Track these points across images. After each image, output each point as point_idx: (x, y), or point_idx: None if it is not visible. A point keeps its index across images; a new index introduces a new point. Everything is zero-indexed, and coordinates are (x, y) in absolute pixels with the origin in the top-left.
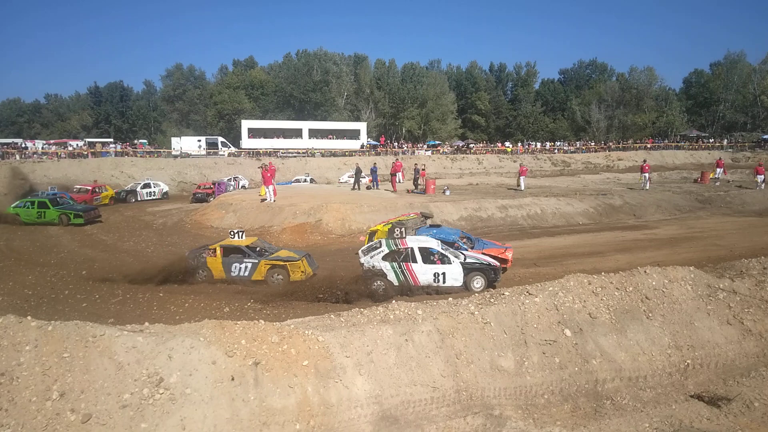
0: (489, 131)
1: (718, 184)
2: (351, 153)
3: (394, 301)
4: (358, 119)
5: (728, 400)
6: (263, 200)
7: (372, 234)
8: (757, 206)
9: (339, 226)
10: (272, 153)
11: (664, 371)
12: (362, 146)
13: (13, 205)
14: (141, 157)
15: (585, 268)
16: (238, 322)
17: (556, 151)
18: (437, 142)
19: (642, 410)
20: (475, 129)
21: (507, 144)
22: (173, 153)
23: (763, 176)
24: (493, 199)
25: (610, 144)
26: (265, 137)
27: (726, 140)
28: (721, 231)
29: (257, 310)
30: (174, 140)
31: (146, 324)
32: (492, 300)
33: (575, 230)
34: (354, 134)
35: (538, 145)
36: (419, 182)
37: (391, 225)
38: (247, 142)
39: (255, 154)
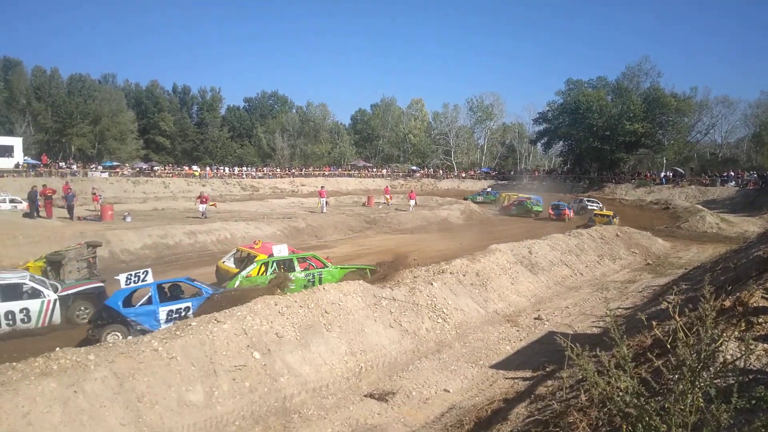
0: (176, 154)
1: (380, 207)
2: (2, 173)
3: (58, 349)
4: (11, 133)
5: (393, 393)
6: None
7: None
8: (409, 225)
9: None
10: None
11: (343, 377)
12: (17, 165)
13: None
14: None
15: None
16: None
17: (244, 176)
18: (116, 163)
19: (325, 417)
20: (161, 151)
21: (195, 168)
22: None
23: (414, 200)
24: (180, 225)
25: (294, 171)
26: None
27: (385, 170)
28: (383, 247)
29: None
30: None
31: None
32: (178, 333)
33: None
34: (5, 151)
35: (227, 169)
36: (93, 207)
37: (45, 259)
38: None
39: None
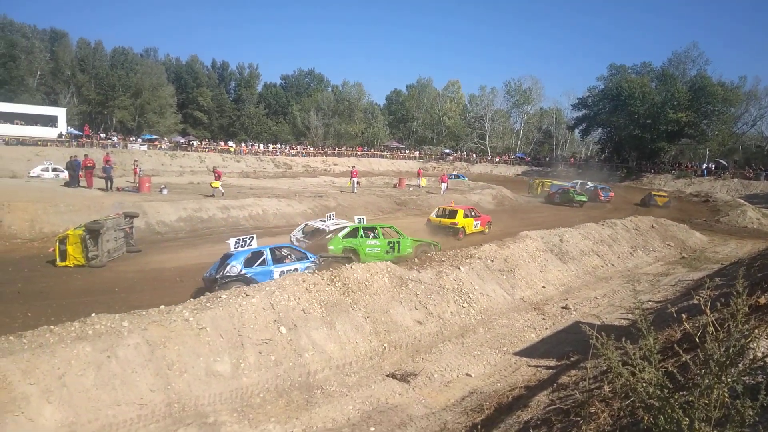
0: (212, 129)
1: (411, 189)
2: (46, 143)
3: (93, 314)
4: (55, 104)
5: (415, 375)
6: None
7: (62, 241)
8: None
9: (27, 229)
10: None
11: (366, 356)
12: (61, 135)
13: None
14: None
15: None
16: None
17: (278, 153)
18: (155, 137)
19: (347, 394)
20: (198, 126)
21: (230, 143)
22: None
23: (446, 184)
24: (214, 199)
25: (327, 150)
26: None
27: (418, 152)
28: (413, 229)
29: None
30: None
31: None
32: (208, 304)
33: None
34: (49, 121)
35: (261, 146)
36: (133, 179)
37: (84, 228)
38: None
39: None
